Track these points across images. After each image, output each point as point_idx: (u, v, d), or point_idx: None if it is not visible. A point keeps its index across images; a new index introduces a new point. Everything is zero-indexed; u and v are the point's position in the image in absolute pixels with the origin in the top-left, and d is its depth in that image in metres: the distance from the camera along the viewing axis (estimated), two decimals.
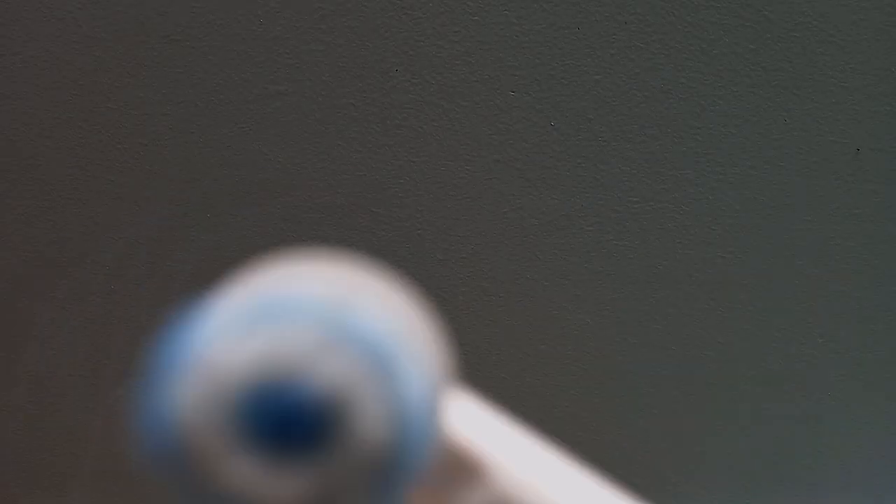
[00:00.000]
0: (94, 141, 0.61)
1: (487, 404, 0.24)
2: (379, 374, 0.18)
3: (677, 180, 0.61)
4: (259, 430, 0.18)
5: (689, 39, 0.57)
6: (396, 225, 0.64)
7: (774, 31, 0.57)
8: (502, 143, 0.61)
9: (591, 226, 0.63)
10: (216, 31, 0.58)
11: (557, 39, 0.58)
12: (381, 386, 0.18)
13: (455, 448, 0.22)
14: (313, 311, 0.19)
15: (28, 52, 0.59)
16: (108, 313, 0.67)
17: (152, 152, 0.61)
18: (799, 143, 0.60)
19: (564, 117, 0.60)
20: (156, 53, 0.59)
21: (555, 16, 0.57)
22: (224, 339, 0.19)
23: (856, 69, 0.58)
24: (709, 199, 0.62)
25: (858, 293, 0.66)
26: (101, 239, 0.65)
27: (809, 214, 0.63)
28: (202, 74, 0.59)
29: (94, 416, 0.71)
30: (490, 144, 0.61)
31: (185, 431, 0.18)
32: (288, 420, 0.18)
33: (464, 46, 0.58)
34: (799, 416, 0.71)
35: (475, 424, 0.23)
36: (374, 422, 0.18)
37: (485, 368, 0.69)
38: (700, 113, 0.59)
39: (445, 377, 0.21)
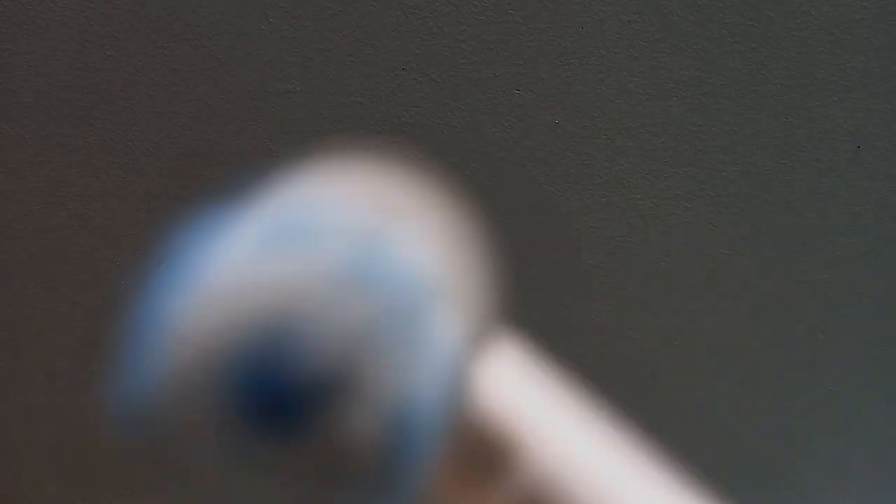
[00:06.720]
0: (103, 139, 0.62)
1: (523, 355, 0.21)
2: (397, 337, 0.15)
3: (679, 178, 0.62)
4: (254, 396, 0.16)
5: (691, 38, 0.58)
6: None
7: (776, 30, 0.58)
8: (507, 142, 0.61)
9: (595, 224, 0.64)
10: (224, 30, 0.58)
11: (562, 38, 0.58)
12: (397, 351, 0.15)
13: (486, 426, 0.19)
14: (337, 243, 0.15)
15: (38, 50, 0.59)
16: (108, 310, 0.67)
17: (161, 150, 0.62)
18: (800, 140, 0.61)
19: (569, 116, 0.60)
20: (165, 52, 0.59)
21: (559, 14, 0.58)
22: (234, 267, 0.15)
23: (856, 68, 0.59)
24: (710, 196, 0.63)
25: (859, 290, 0.66)
26: (108, 235, 0.65)
27: (810, 212, 0.63)
28: (211, 73, 0.60)
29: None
30: (495, 143, 0.61)
31: (172, 397, 0.16)
32: (287, 387, 0.15)
33: (469, 45, 0.59)
34: (797, 414, 0.71)
35: (510, 393, 0.20)
36: (380, 401, 0.15)
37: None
38: (702, 111, 0.60)
39: (483, 328, 0.17)
